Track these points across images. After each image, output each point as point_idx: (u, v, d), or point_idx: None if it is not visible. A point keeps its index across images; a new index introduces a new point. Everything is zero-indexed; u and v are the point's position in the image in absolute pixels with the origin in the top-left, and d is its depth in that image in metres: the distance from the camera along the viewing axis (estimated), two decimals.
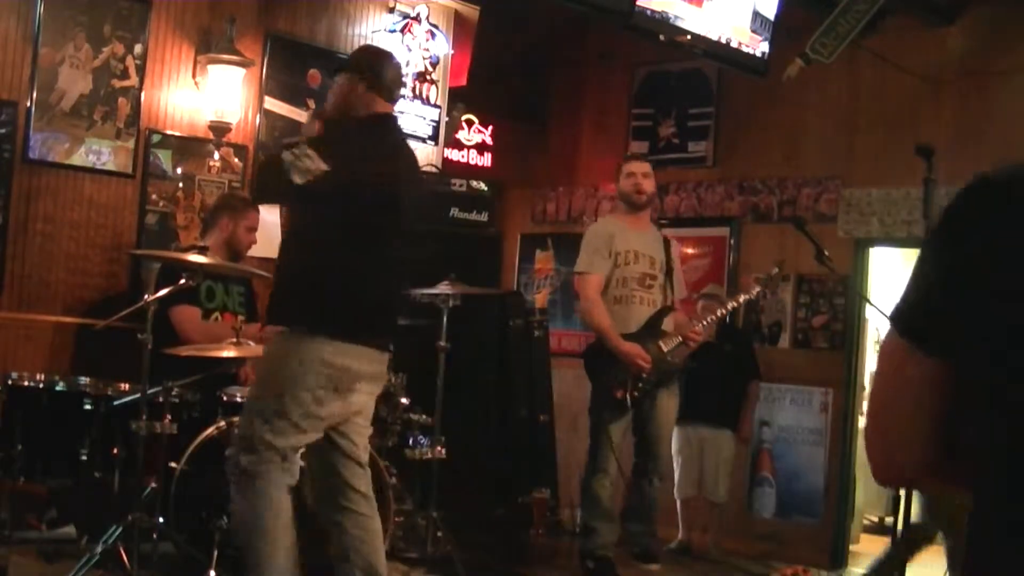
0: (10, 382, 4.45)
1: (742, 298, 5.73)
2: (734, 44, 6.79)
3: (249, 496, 3.64)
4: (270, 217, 6.34)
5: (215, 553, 4.22)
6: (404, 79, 3.93)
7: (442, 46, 7.15)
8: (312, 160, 3.56)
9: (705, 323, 5.66)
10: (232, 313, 5.34)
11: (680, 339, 5.53)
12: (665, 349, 5.45)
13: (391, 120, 4.02)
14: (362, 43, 6.82)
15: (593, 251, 5.49)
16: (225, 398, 4.81)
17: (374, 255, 3.76)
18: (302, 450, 3.76)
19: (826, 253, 5.05)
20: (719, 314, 5.73)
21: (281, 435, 3.63)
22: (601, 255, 5.47)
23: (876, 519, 8.77)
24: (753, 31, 6.86)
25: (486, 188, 6.78)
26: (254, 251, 6.19)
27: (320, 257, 3.73)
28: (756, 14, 6.86)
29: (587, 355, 5.53)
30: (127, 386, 4.53)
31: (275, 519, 3.61)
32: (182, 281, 4.45)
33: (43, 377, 4.54)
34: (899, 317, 1.33)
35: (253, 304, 5.59)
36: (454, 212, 6.63)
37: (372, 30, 6.84)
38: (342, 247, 3.71)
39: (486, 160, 8.28)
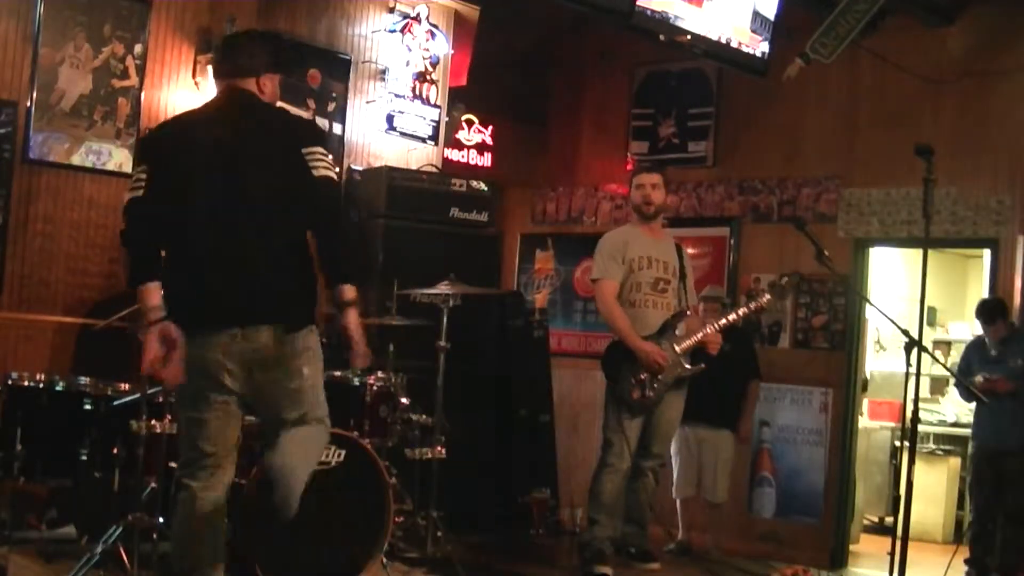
0: (10, 382, 4.45)
1: (753, 306, 5.78)
2: (734, 44, 6.79)
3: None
4: None
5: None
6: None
7: (442, 46, 7.15)
8: None
9: (719, 326, 5.70)
10: None
11: (695, 340, 5.59)
12: (679, 351, 5.52)
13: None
14: (362, 43, 6.84)
15: (608, 257, 5.61)
16: None
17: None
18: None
19: (826, 253, 5.05)
20: (731, 319, 5.75)
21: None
22: (615, 261, 5.58)
23: (876, 519, 8.77)
24: (753, 31, 6.86)
25: (486, 188, 6.78)
26: None
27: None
28: (756, 14, 6.86)
29: (606, 356, 5.63)
30: (127, 386, 4.53)
31: None
32: None
33: (43, 377, 4.55)
34: None
35: None
36: (454, 212, 6.62)
37: (372, 30, 6.85)
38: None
39: (486, 160, 8.27)
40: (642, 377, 5.45)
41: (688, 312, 5.74)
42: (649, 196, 5.68)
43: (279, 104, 3.90)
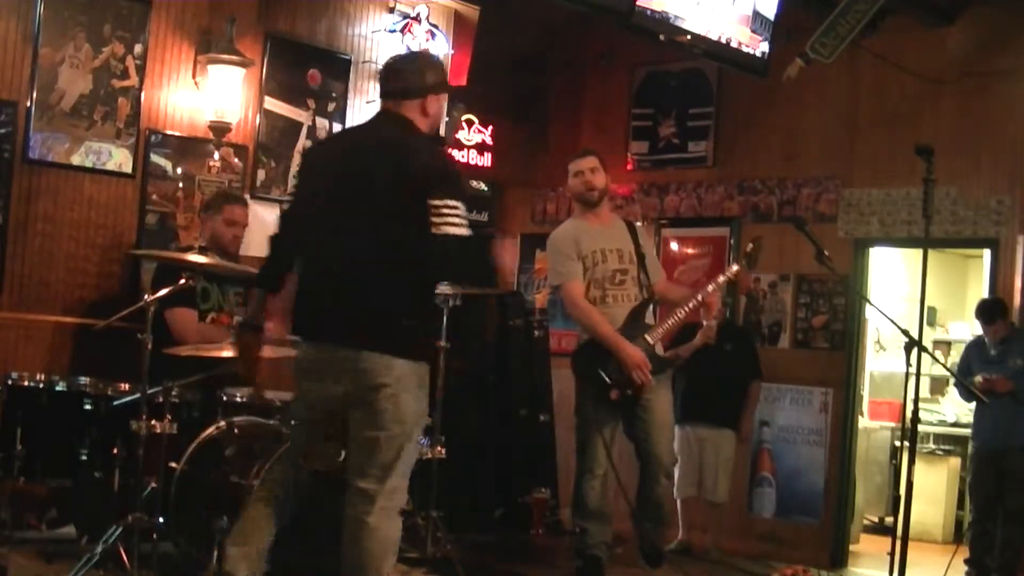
0: (10, 382, 4.45)
1: (723, 279, 5.51)
2: (734, 44, 6.79)
3: None
4: (268, 216, 6.35)
5: (215, 553, 4.22)
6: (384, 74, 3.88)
7: (442, 46, 7.15)
8: None
9: (711, 288, 5.43)
10: (228, 314, 5.34)
11: (670, 325, 5.38)
12: (652, 342, 5.29)
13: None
14: (362, 43, 6.84)
15: (564, 258, 5.33)
16: (225, 398, 4.81)
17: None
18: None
19: (826, 253, 5.04)
20: (710, 290, 5.45)
21: None
22: (571, 259, 5.31)
23: (876, 519, 8.78)
24: (753, 31, 6.86)
25: (486, 188, 6.78)
26: (254, 251, 6.20)
27: None
28: (756, 14, 6.85)
29: (577, 355, 5.40)
30: (127, 386, 4.52)
31: None
32: (182, 281, 4.45)
33: (43, 377, 4.54)
34: None
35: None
36: None
37: (372, 30, 6.85)
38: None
39: (486, 160, 8.27)
40: (618, 377, 5.18)
41: (656, 297, 5.52)
42: (590, 181, 5.37)
43: (437, 130, 3.88)
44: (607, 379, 5.20)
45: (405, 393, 3.51)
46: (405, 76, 3.69)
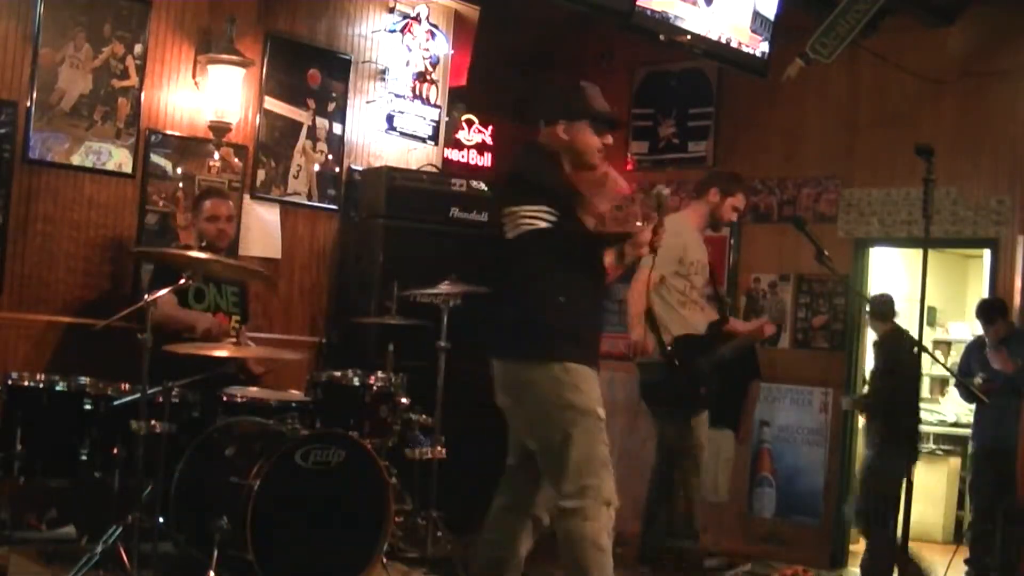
0: (10, 382, 4.45)
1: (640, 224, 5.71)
2: (734, 44, 6.79)
3: None
4: (268, 216, 6.35)
5: (215, 553, 4.22)
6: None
7: (442, 46, 7.14)
8: None
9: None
10: (225, 314, 5.35)
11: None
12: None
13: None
14: (362, 43, 6.83)
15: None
16: (225, 398, 4.81)
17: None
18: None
19: (826, 253, 5.04)
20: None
21: None
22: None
23: None
24: (753, 31, 6.86)
25: (486, 188, 6.77)
26: (254, 251, 6.21)
27: None
28: (756, 14, 6.85)
29: (670, 356, 5.55)
30: (127, 386, 4.52)
31: None
32: (182, 281, 4.45)
33: (43, 377, 4.54)
34: None
35: (246, 305, 5.58)
36: (454, 212, 6.61)
37: (372, 30, 6.84)
38: None
39: (486, 160, 8.27)
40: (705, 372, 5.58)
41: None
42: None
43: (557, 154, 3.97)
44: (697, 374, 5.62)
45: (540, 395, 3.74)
46: (545, 98, 4.08)
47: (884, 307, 6.52)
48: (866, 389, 6.88)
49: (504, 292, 3.86)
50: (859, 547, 7.72)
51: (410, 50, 6.95)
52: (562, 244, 3.73)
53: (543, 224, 3.67)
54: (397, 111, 6.89)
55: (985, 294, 7.17)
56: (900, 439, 5.62)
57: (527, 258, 3.72)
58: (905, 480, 4.52)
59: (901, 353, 6.16)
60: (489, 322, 3.86)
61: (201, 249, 4.93)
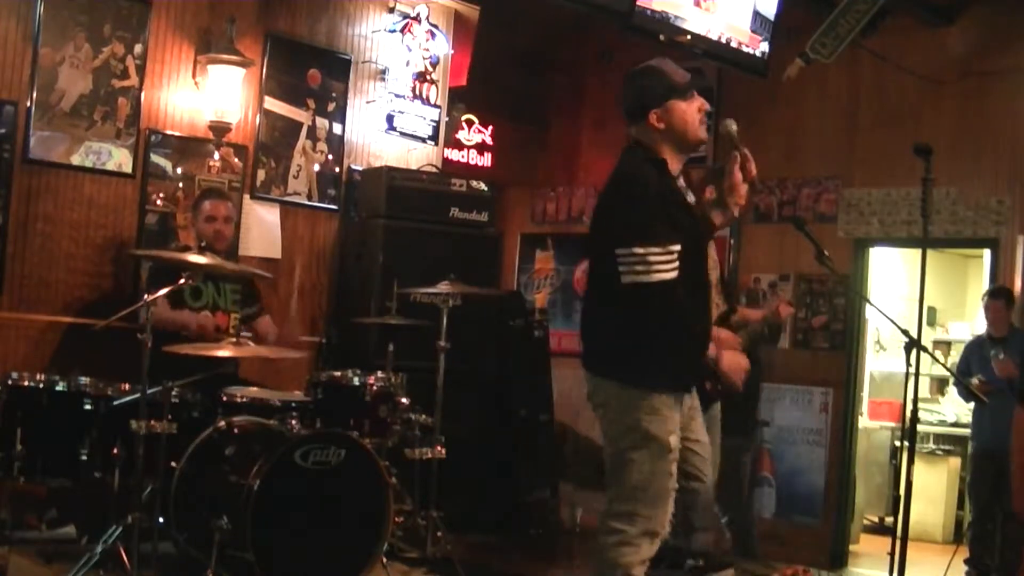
0: (10, 382, 4.44)
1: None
2: (734, 44, 6.79)
3: None
4: (268, 216, 6.35)
5: (215, 553, 4.22)
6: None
7: (442, 46, 7.14)
8: None
9: None
10: (225, 312, 5.34)
11: None
12: None
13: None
14: (362, 43, 6.83)
15: None
16: (225, 398, 4.81)
17: None
18: None
19: (826, 253, 5.04)
20: None
21: None
22: None
23: (876, 519, 8.77)
24: (753, 31, 6.86)
25: (486, 188, 6.77)
26: (254, 251, 6.21)
27: None
28: (756, 14, 6.85)
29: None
30: (127, 386, 4.52)
31: None
32: (181, 281, 4.45)
33: (43, 377, 4.53)
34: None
35: (253, 299, 5.55)
36: (454, 212, 6.62)
37: (372, 30, 6.84)
38: None
39: (486, 160, 8.27)
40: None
41: None
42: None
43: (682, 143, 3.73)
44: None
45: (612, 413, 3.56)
46: (624, 97, 3.60)
47: None
48: None
49: (601, 306, 3.59)
50: (859, 547, 7.73)
51: (410, 50, 6.95)
52: (675, 295, 3.40)
53: (662, 275, 3.34)
54: (397, 111, 6.89)
55: None
56: None
57: (633, 308, 3.42)
58: (905, 480, 4.52)
59: None
60: (587, 333, 3.66)
61: (200, 249, 4.92)
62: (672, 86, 3.65)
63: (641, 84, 3.67)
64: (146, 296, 4.34)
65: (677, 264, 3.38)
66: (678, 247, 3.40)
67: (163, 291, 4.42)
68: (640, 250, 3.33)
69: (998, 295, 6.69)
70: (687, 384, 3.64)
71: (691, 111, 3.68)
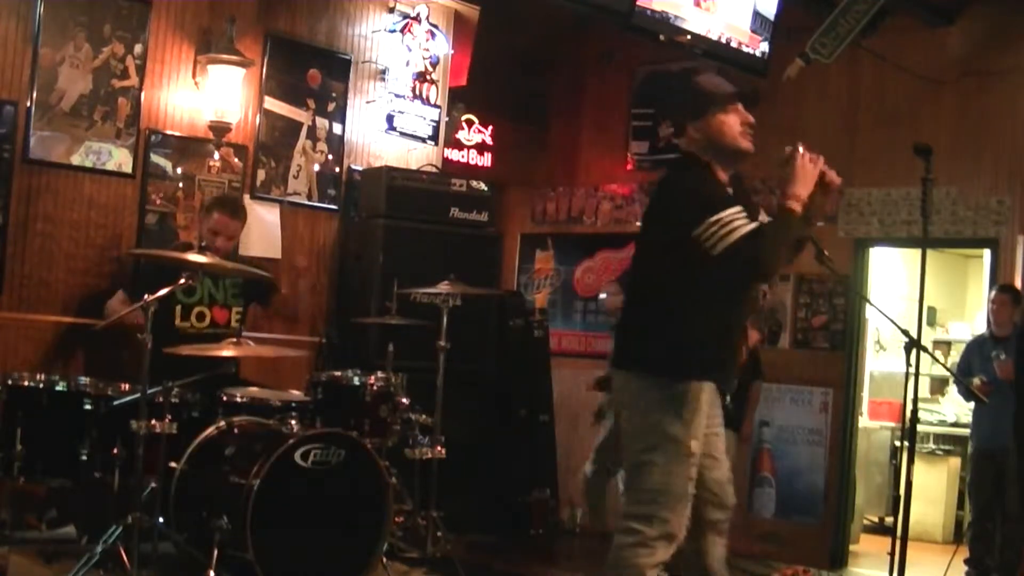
0: (10, 382, 4.45)
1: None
2: (734, 44, 6.79)
3: None
4: (268, 216, 6.35)
5: (215, 553, 4.22)
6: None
7: (442, 46, 7.14)
8: None
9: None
10: (224, 306, 5.34)
11: None
12: None
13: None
14: (362, 43, 6.83)
15: None
16: (225, 398, 4.81)
17: None
18: None
19: (826, 253, 5.03)
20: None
21: None
22: None
23: (876, 519, 8.77)
24: (753, 31, 6.86)
25: (486, 188, 6.77)
26: (254, 251, 6.21)
27: None
28: (756, 14, 6.86)
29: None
30: (127, 386, 4.52)
31: None
32: (182, 280, 4.45)
33: (43, 377, 4.54)
34: None
35: (256, 290, 5.50)
36: (454, 212, 6.62)
37: (372, 30, 6.84)
38: None
39: (486, 160, 8.27)
40: None
41: None
42: None
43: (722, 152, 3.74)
44: None
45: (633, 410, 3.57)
46: (667, 110, 3.79)
47: None
48: None
49: (647, 305, 3.63)
50: (859, 547, 7.73)
51: (410, 50, 6.95)
52: (779, 236, 3.56)
53: (742, 229, 3.42)
54: (397, 111, 6.89)
55: (985, 294, 7.17)
56: None
57: (733, 269, 3.47)
58: (905, 480, 4.52)
59: None
60: (625, 333, 3.72)
61: (200, 248, 4.92)
62: (712, 100, 3.68)
63: (678, 98, 3.81)
64: (146, 296, 4.34)
65: (747, 216, 3.48)
66: (739, 206, 3.50)
67: (163, 291, 4.42)
68: (713, 218, 3.39)
69: (1007, 290, 6.70)
70: (724, 375, 3.65)
71: (730, 122, 3.69)
